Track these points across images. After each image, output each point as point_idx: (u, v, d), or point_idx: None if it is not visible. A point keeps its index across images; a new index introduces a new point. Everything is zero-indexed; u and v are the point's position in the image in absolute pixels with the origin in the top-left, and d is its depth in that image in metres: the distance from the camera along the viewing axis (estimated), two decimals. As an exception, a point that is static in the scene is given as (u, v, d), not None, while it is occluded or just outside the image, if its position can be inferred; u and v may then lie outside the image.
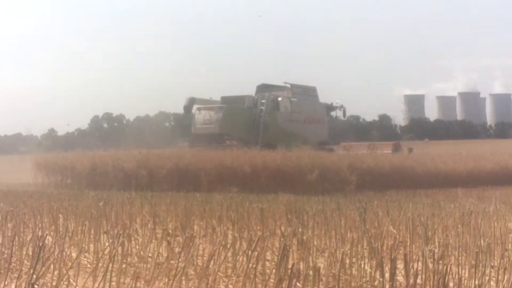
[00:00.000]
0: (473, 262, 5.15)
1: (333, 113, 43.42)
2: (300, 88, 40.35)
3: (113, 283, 4.26)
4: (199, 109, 38.78)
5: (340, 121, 45.82)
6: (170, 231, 6.66)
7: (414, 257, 5.48)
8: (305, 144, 33.91)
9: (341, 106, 42.44)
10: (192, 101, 40.20)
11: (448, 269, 4.66)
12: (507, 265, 5.19)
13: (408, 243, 6.61)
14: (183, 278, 4.64)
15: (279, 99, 39.19)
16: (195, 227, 7.70)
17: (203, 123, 37.61)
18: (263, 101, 38.49)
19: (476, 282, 4.80)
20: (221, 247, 5.59)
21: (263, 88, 40.55)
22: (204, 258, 5.65)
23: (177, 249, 5.25)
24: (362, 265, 5.45)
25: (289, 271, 4.30)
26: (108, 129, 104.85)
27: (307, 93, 40.71)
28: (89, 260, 5.97)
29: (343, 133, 48.13)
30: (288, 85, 40.50)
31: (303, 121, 39.54)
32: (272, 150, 29.86)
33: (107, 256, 4.67)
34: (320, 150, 35.71)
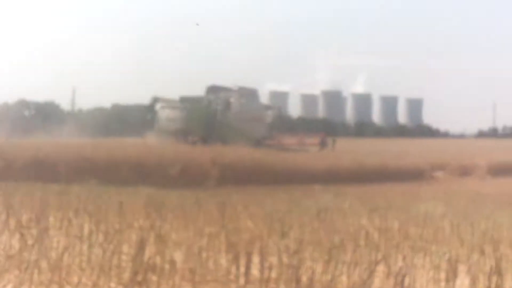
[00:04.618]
0: (327, 257, 5.30)
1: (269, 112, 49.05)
2: (246, 90, 46.42)
3: (-39, 276, 4.14)
4: (162, 107, 43.10)
5: (275, 119, 50.98)
6: (23, 223, 6.51)
7: (270, 252, 5.58)
8: (249, 140, 38.23)
9: (277, 107, 50.08)
10: (155, 100, 45.49)
11: (302, 264, 4.79)
12: (358, 260, 5.38)
13: (265, 238, 6.73)
14: (35, 270, 4.56)
15: (231, 100, 44.17)
16: (51, 219, 7.54)
17: (167, 120, 41.72)
18: (217, 101, 43.89)
19: (329, 277, 4.94)
20: (77, 240, 5.52)
21: (213, 90, 46.17)
22: (59, 251, 5.57)
23: (30, 241, 5.14)
24: (219, 259, 5.51)
25: (145, 264, 4.30)
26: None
27: (251, 94, 45.38)
28: None
29: (276, 129, 52.04)
30: (236, 88, 45.71)
31: (249, 119, 44.02)
32: (224, 146, 33.14)
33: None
34: (259, 146, 39.76)
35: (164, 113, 44.13)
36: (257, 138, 42.98)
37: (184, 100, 44.85)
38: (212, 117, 43.06)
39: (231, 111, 43.80)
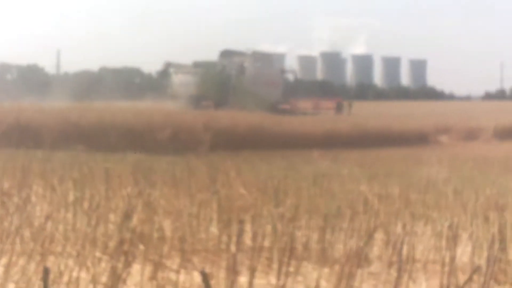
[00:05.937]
0: (323, 225, 5.32)
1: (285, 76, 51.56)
2: (260, 55, 49.31)
3: None
4: (175, 72, 44.92)
5: (290, 83, 53.84)
6: (5, 191, 6.52)
7: (263, 220, 5.59)
8: (264, 104, 39.54)
9: (293, 71, 51.60)
10: (168, 65, 47.37)
11: (297, 232, 4.81)
12: (355, 228, 5.40)
13: (259, 205, 6.74)
14: (17, 240, 4.57)
15: (245, 64, 46.17)
16: (34, 186, 7.55)
17: (180, 85, 43.38)
18: (231, 66, 45.73)
19: (324, 245, 4.96)
20: (61, 208, 5.53)
21: (227, 54, 47.87)
22: (42, 219, 5.58)
23: (11, 210, 5.15)
24: (210, 227, 5.53)
25: (132, 233, 4.31)
26: None
27: (265, 59, 47.32)
28: None
29: (292, 93, 53.33)
30: (250, 52, 47.73)
31: (263, 83, 45.78)
32: (239, 110, 34.32)
33: None
34: (274, 111, 41.90)
35: (177, 78, 45.83)
36: (272, 103, 44.16)
37: (197, 65, 46.59)
38: (226, 82, 44.74)
39: (245, 76, 45.39)
